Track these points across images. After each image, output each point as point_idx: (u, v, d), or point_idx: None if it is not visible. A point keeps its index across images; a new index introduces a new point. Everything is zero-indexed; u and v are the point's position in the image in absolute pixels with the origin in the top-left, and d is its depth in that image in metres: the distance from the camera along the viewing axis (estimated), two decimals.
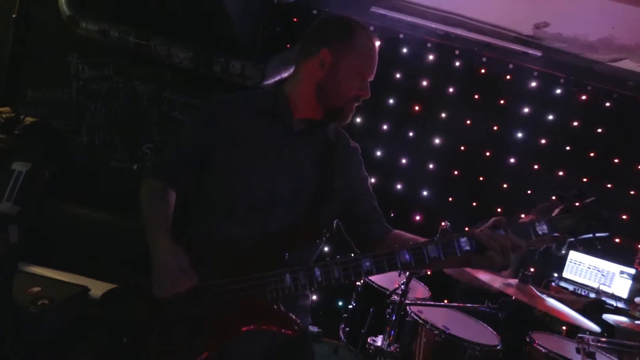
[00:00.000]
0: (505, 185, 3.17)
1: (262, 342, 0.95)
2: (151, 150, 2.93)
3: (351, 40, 0.95)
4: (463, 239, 0.85)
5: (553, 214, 0.85)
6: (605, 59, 3.08)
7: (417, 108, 3.11)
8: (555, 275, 3.05)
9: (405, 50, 3.09)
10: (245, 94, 1.07)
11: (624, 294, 2.79)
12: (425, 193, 3.10)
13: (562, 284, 2.92)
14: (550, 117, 3.18)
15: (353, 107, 0.99)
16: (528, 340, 1.87)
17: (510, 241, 0.82)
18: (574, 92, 3.18)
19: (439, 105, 3.12)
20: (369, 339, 1.76)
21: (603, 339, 1.49)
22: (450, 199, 3.12)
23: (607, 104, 3.18)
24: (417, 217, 3.09)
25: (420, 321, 1.82)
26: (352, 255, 0.89)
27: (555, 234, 0.83)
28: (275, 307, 0.91)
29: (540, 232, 0.84)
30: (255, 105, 1.02)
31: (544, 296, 1.63)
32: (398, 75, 3.09)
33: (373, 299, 2.13)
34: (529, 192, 3.12)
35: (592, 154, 3.17)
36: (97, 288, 2.12)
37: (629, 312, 2.52)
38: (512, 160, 3.17)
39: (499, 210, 3.09)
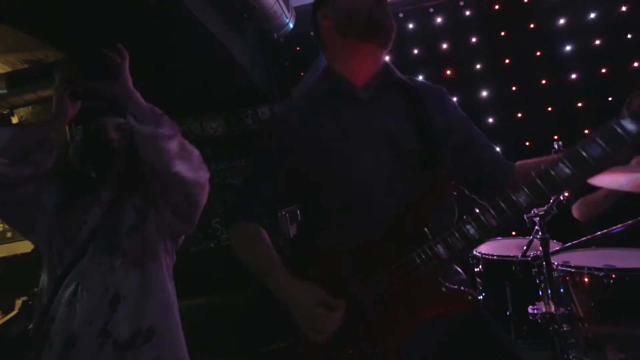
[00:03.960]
0: (580, 104, 2.85)
1: (436, 331, 0.82)
2: (220, 224, 2.99)
3: None
4: (623, 120, 0.67)
5: None
6: None
7: (449, 72, 2.96)
8: None
9: (411, 25, 3.01)
10: (301, 94, 1.01)
11: None
12: (499, 147, 2.86)
13: None
14: (593, 15, 2.88)
15: (384, 12, 0.86)
16: None
17: None
18: None
19: (470, 60, 2.95)
20: (529, 309, 1.52)
21: None
22: (527, 143, 2.85)
23: None
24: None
25: (572, 270, 1.56)
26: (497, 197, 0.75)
27: None
28: (439, 286, 0.78)
29: None
30: (315, 98, 0.93)
31: None
32: (416, 51, 3.00)
33: (502, 275, 1.90)
34: (610, 99, 2.77)
35: None
36: None
37: None
38: (573, 76, 2.87)
39: (586, 131, 2.75)
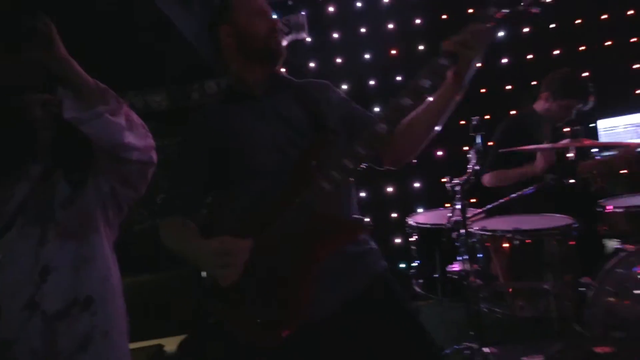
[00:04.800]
0: (509, 87, 3.09)
1: (341, 287, 0.94)
2: (159, 217, 2.94)
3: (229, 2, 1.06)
4: (439, 58, 0.89)
5: None
6: None
7: (394, 52, 3.07)
8: (595, 150, 2.95)
9: (359, 4, 3.07)
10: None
11: None
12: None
13: (605, 153, 2.82)
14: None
15: (277, 38, 1.05)
16: (599, 209, 1.81)
17: (469, 32, 0.89)
18: None
19: (414, 39, 3.07)
20: (447, 269, 1.71)
21: None
22: (462, 122, 3.06)
23: None
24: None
25: (489, 234, 1.77)
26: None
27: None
28: (329, 219, 0.91)
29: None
30: (221, 97, 1.12)
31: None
32: (363, 30, 3.06)
33: (434, 243, 2.08)
34: (533, 83, 3.03)
35: (578, 20, 3.08)
36: (169, 344, 2.11)
37: None
38: (504, 60, 3.09)
39: (512, 111, 2.99)
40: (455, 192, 1.65)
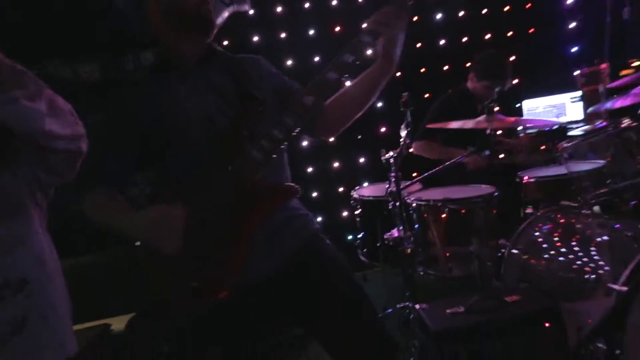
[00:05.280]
0: (446, 68, 3.27)
1: (272, 251, 0.99)
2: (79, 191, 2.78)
3: None
4: (362, 34, 0.95)
5: None
6: None
7: (338, 29, 3.10)
8: (519, 128, 3.26)
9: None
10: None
11: (580, 116, 3.04)
12: (380, 104, 3.16)
13: (530, 132, 3.13)
14: None
15: (206, 7, 1.00)
16: (517, 180, 2.03)
17: (385, 13, 0.93)
18: None
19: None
20: (385, 236, 1.85)
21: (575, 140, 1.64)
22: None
23: None
24: None
25: (422, 203, 1.92)
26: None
27: None
28: (261, 185, 0.94)
29: None
30: (152, 69, 1.08)
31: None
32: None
33: (375, 214, 2.21)
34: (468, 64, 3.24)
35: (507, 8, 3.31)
36: (117, 323, 2.06)
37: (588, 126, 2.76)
38: (442, 42, 3.25)
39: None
40: (390, 165, 1.76)
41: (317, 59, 3.07)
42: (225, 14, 1.16)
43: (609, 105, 2.10)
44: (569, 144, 1.66)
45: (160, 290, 0.96)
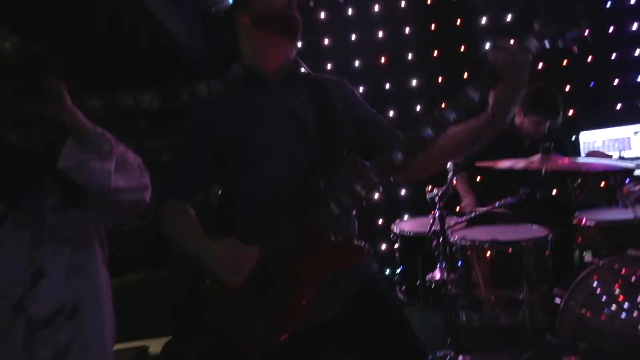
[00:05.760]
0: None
1: (338, 295, 0.96)
2: (155, 201, 2.94)
3: None
4: (468, 89, 0.84)
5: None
6: None
7: (382, 60, 3.12)
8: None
9: (350, 10, 3.11)
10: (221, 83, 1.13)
11: None
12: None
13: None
14: (509, 17, 3.18)
15: (292, 12, 1.01)
16: (575, 222, 1.87)
17: (511, 51, 0.80)
18: None
19: (404, 48, 3.12)
20: (426, 278, 1.76)
21: None
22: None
23: None
24: None
25: (468, 243, 1.82)
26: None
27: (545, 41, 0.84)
28: (334, 241, 0.93)
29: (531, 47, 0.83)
30: (230, 84, 1.09)
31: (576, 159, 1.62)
32: (354, 37, 3.11)
33: (416, 251, 2.13)
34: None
35: None
36: (154, 345, 2.12)
37: None
38: None
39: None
40: (435, 203, 1.70)
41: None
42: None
43: None
44: (636, 187, 1.51)
45: (215, 322, 0.95)
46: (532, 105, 2.18)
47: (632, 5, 3.21)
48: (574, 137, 3.02)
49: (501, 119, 0.86)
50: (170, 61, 2.65)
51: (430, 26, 3.14)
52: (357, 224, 1.07)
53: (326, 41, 3.09)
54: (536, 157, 1.63)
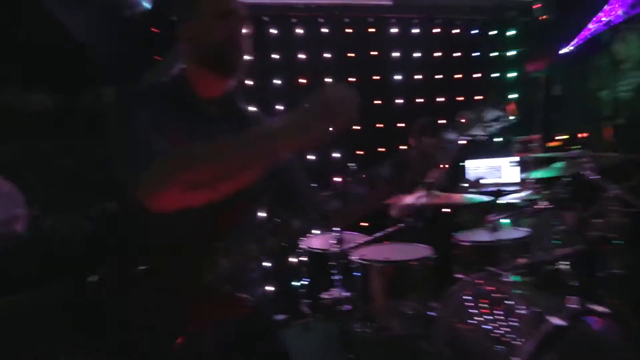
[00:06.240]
0: (402, 125, 3.51)
1: (223, 331, 0.97)
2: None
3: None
4: (382, 168, 0.95)
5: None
6: None
7: (303, 81, 3.25)
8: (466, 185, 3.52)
9: (274, 30, 3.19)
10: (157, 84, 1.03)
11: (516, 179, 3.34)
12: (336, 155, 3.30)
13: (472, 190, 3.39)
14: (418, 54, 3.57)
15: (236, 51, 0.96)
16: (453, 241, 2.19)
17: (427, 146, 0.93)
18: (429, 28, 3.60)
19: (322, 73, 3.30)
20: (321, 295, 1.90)
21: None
22: (360, 152, 3.37)
23: (455, 31, 3.67)
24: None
25: (365, 262, 2.01)
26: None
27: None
28: (221, 292, 0.91)
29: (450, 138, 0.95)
30: (164, 95, 0.96)
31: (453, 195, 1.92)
32: (277, 56, 3.19)
33: (321, 266, 2.26)
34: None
35: (457, 76, 3.66)
36: None
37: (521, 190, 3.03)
38: (399, 101, 3.51)
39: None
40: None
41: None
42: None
43: (533, 175, 2.36)
44: (495, 217, 1.83)
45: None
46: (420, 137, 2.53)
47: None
48: (462, 163, 3.50)
49: (399, 192, 1.01)
50: (71, 62, 2.44)
51: (348, 54, 3.38)
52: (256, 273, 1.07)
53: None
54: (422, 193, 1.92)
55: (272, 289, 3.07)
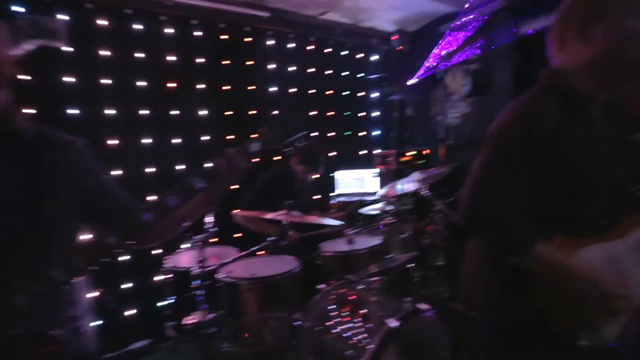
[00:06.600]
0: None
1: None
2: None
3: None
4: (194, 179, 1.03)
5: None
6: (316, 13, 3.74)
7: (173, 85, 3.03)
8: (333, 194, 3.80)
9: (138, 26, 2.89)
10: None
11: (376, 189, 3.77)
12: (205, 165, 3.18)
13: (339, 199, 3.68)
14: (293, 68, 3.70)
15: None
16: (319, 252, 2.33)
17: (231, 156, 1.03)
18: (303, 44, 3.78)
19: (194, 78, 3.14)
20: (183, 321, 1.80)
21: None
22: None
23: (327, 50, 3.94)
24: None
25: (231, 280, 1.98)
26: None
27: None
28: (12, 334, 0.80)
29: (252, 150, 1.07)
30: None
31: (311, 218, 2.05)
32: (142, 55, 2.90)
33: (187, 285, 2.14)
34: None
35: (329, 92, 3.94)
36: None
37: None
38: (275, 112, 3.58)
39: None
40: (197, 241, 1.78)
41: (142, 111, 2.90)
42: (29, 46, 1.00)
43: (387, 187, 2.69)
44: (351, 231, 2.02)
45: None
46: (302, 159, 2.70)
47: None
48: (332, 174, 3.78)
49: (214, 201, 1.09)
50: None
51: (222, 61, 3.29)
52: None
53: (107, 53, 2.76)
54: (282, 212, 2.00)
55: (135, 311, 2.78)
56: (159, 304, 2.83)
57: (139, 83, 2.88)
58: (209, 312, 1.75)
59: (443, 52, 3.72)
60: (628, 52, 0.90)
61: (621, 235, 0.96)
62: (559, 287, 0.96)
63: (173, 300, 2.28)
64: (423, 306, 1.71)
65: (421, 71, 3.92)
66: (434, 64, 3.73)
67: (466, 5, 3.31)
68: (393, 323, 1.58)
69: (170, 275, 2.33)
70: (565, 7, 0.98)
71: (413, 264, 2.26)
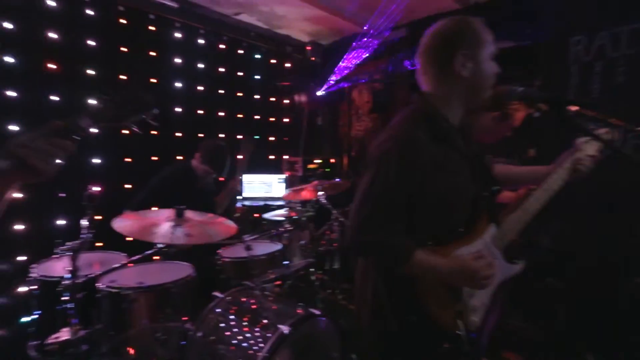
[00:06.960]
0: (180, 134, 3.38)
1: None
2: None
3: None
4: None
5: None
6: (230, 13, 3.65)
7: (53, 66, 2.64)
8: (240, 197, 3.73)
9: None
10: None
11: (281, 193, 3.81)
12: (99, 160, 2.85)
13: (245, 202, 3.63)
14: (202, 66, 3.54)
15: None
16: (217, 258, 2.26)
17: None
18: (214, 42, 3.65)
19: (82, 61, 2.78)
20: (48, 341, 1.56)
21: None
22: (128, 159, 3.03)
23: (240, 51, 3.87)
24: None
25: (115, 290, 1.79)
26: None
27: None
28: None
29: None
30: None
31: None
32: (10, 26, 2.46)
33: (53, 297, 1.87)
34: (200, 135, 3.49)
35: (239, 94, 3.86)
36: None
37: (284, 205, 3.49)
38: (179, 109, 3.38)
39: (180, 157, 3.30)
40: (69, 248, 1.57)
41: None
42: None
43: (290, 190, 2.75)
44: (249, 238, 2.00)
45: None
46: (206, 159, 2.57)
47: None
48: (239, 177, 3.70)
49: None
50: None
51: (120, 47, 2.99)
52: None
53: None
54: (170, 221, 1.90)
55: None
56: (22, 320, 2.41)
57: (6, 59, 2.44)
58: (80, 327, 1.54)
59: (346, 69, 3.97)
60: (478, 82, 1.07)
61: (479, 236, 1.14)
62: (437, 285, 1.07)
63: (37, 316, 1.95)
64: (315, 311, 1.78)
65: (329, 83, 4.11)
66: (339, 78, 3.95)
67: (365, 27, 3.57)
68: (285, 329, 1.61)
69: (36, 287, 2.00)
70: (428, 39, 1.11)
71: (311, 269, 2.34)
